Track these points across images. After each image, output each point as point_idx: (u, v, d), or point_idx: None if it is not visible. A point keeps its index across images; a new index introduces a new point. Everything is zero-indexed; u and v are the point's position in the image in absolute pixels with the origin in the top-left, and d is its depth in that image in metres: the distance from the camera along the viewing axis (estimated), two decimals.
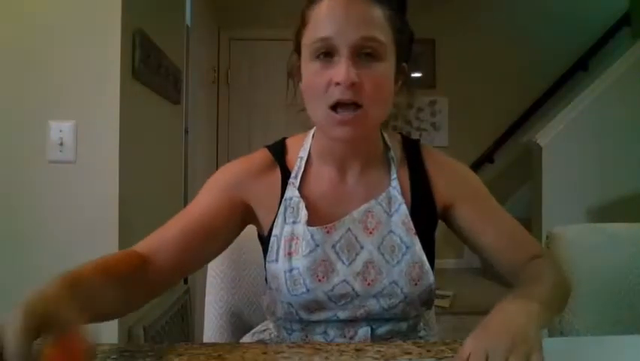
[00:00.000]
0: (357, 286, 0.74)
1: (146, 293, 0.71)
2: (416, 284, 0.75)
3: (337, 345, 0.69)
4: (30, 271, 1.37)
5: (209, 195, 0.77)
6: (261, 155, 0.82)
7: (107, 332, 1.36)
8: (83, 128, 1.39)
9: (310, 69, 0.71)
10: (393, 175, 0.80)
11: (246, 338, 0.91)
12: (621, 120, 2.77)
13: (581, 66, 4.05)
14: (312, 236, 0.74)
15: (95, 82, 1.40)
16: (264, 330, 0.88)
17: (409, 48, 0.79)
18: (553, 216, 2.66)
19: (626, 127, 2.77)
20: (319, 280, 0.74)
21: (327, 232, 0.75)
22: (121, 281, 0.63)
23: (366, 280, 0.75)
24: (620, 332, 0.95)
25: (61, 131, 1.38)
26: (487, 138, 4.16)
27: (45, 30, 1.40)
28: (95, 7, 1.40)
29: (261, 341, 0.86)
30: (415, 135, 4.05)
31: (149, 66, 1.66)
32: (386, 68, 0.71)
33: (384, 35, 0.70)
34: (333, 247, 0.75)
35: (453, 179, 0.83)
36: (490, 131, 4.16)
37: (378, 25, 0.70)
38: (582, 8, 4.05)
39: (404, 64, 0.78)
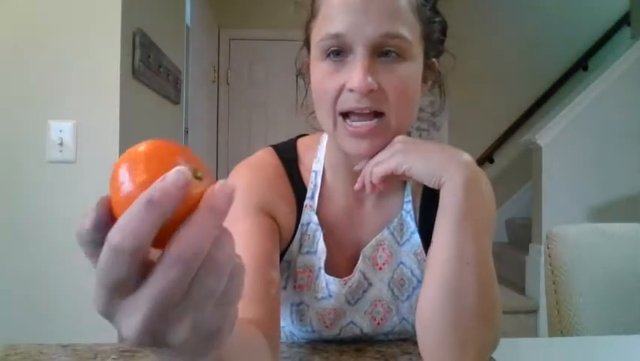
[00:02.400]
0: (366, 326, 0.70)
1: None
2: None
3: (337, 345, 0.69)
4: (30, 271, 1.37)
5: (248, 226, 0.61)
6: (272, 164, 0.69)
7: (107, 332, 1.36)
8: (83, 128, 1.39)
9: (319, 70, 0.60)
10: (408, 197, 0.69)
11: None
12: (621, 120, 2.77)
13: (581, 66, 4.05)
14: (327, 285, 0.67)
15: (95, 82, 1.40)
16: None
17: (440, 40, 0.66)
18: (553, 216, 2.66)
19: (626, 127, 2.76)
20: (326, 326, 0.69)
21: (344, 283, 0.67)
22: None
23: (375, 319, 0.70)
24: (620, 331, 0.95)
25: (61, 131, 1.38)
26: (487, 138, 4.15)
27: (45, 30, 1.40)
28: (95, 7, 1.40)
29: None
30: (414, 135, 4.05)
31: (149, 66, 1.66)
32: (412, 68, 0.59)
33: (410, 31, 0.57)
34: (345, 294, 0.68)
35: None
36: (490, 132, 4.15)
37: (404, 17, 0.57)
38: (582, 8, 4.04)
39: (434, 60, 0.66)
